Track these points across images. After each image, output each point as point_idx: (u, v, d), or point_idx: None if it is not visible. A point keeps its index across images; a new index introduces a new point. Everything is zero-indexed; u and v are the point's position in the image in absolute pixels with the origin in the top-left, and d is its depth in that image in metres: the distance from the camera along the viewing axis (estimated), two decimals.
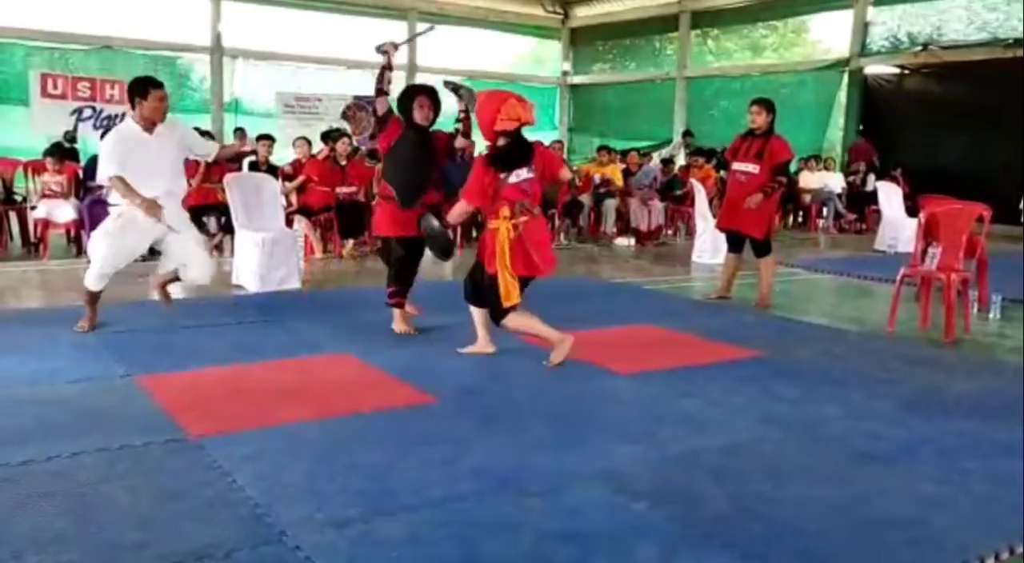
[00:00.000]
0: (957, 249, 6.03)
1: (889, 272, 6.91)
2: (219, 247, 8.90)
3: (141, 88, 5.14)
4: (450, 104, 5.72)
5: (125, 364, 4.65)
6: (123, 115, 14.97)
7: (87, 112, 14.00)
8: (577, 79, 20.57)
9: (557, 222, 10.85)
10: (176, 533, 2.71)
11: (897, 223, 11.05)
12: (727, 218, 7.05)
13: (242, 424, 3.76)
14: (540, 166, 4.79)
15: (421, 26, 18.36)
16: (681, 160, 14.52)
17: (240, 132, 13.18)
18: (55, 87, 13.95)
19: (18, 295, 6.86)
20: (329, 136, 10.20)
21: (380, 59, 5.47)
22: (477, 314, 4.99)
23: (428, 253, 5.42)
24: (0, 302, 6.41)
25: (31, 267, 8.12)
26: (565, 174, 5.34)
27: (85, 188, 8.74)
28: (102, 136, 8.92)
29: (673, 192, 12.00)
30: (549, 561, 2.63)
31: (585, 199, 11.48)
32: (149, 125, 5.15)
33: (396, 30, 18.25)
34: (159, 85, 5.20)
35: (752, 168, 6.73)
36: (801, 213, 14.08)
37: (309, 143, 9.86)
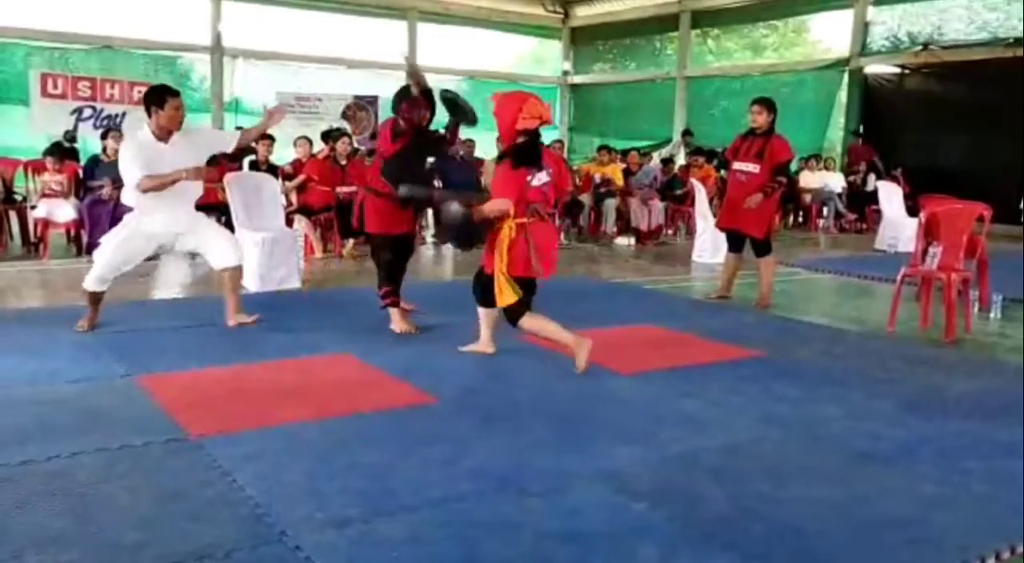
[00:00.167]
0: (957, 249, 6.03)
1: (889, 272, 6.91)
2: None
3: (158, 97, 5.10)
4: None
5: (125, 364, 4.65)
6: (123, 115, 15.13)
7: (87, 112, 14.02)
8: (577, 79, 20.57)
9: (557, 222, 10.84)
10: (176, 533, 2.71)
11: (897, 223, 11.05)
12: (727, 218, 7.05)
13: (242, 424, 3.76)
14: (556, 171, 4.79)
15: (421, 26, 18.51)
16: (681, 160, 14.52)
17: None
18: (55, 87, 13.96)
19: (18, 295, 6.86)
20: (329, 136, 10.20)
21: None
22: (484, 314, 4.97)
23: (416, 255, 5.42)
24: (0, 302, 6.40)
25: (31, 267, 8.12)
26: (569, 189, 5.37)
27: (85, 188, 8.74)
28: (102, 136, 9.01)
29: (673, 192, 11.99)
30: (549, 561, 2.63)
31: (585, 199, 11.48)
32: (165, 134, 5.12)
33: (396, 30, 18.28)
34: (176, 93, 5.16)
35: (752, 168, 6.73)
36: (801, 213, 14.07)
37: (310, 142, 9.86)
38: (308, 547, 2.64)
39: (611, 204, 11.44)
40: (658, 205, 11.45)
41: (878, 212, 12.16)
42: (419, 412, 4.02)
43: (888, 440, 3.79)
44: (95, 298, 5.40)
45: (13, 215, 9.28)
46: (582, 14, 20.13)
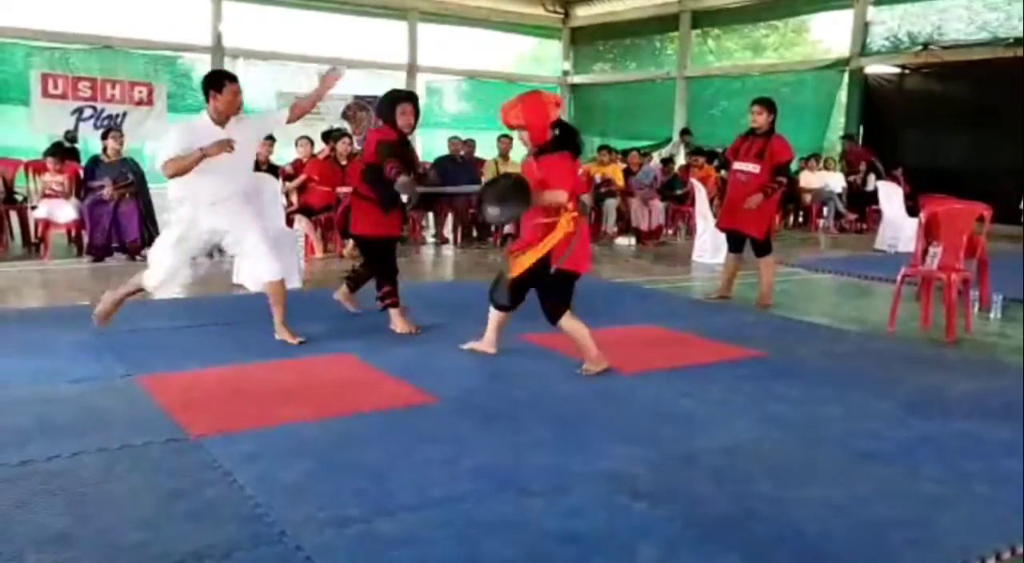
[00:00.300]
0: (958, 249, 6.03)
1: (890, 272, 6.91)
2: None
3: (217, 81, 4.98)
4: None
5: (125, 364, 4.65)
6: (124, 115, 15.14)
7: (88, 112, 14.02)
8: (578, 79, 20.57)
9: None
10: (176, 533, 2.71)
11: (897, 223, 11.04)
12: (727, 218, 7.05)
13: (242, 424, 3.76)
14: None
15: (421, 26, 18.51)
16: (681, 160, 14.53)
17: None
18: (56, 87, 13.97)
19: (19, 295, 6.86)
20: (330, 136, 10.21)
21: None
22: (495, 316, 4.93)
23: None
24: (1, 302, 6.41)
25: (31, 267, 8.12)
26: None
27: (86, 188, 8.74)
28: (103, 136, 9.01)
29: (673, 192, 11.99)
30: (549, 561, 2.62)
31: (586, 199, 11.44)
32: (223, 119, 4.99)
33: (396, 30, 18.29)
34: (234, 78, 5.05)
35: (753, 168, 6.73)
36: (801, 213, 14.07)
37: (311, 142, 9.86)
38: (308, 547, 2.64)
39: (611, 204, 11.44)
40: (658, 205, 11.45)
41: (878, 212, 12.15)
42: (419, 412, 4.02)
43: (888, 440, 3.79)
44: (131, 296, 5.30)
45: (14, 215, 9.29)
46: (582, 14, 20.13)
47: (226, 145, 4.78)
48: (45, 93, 13.89)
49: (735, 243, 7.05)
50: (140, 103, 14.60)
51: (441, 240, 10.73)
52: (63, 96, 13.96)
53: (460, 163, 10.96)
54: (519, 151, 8.94)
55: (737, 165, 6.89)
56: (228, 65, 16.70)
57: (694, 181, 10.77)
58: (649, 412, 4.11)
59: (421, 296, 6.97)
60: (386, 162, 5.30)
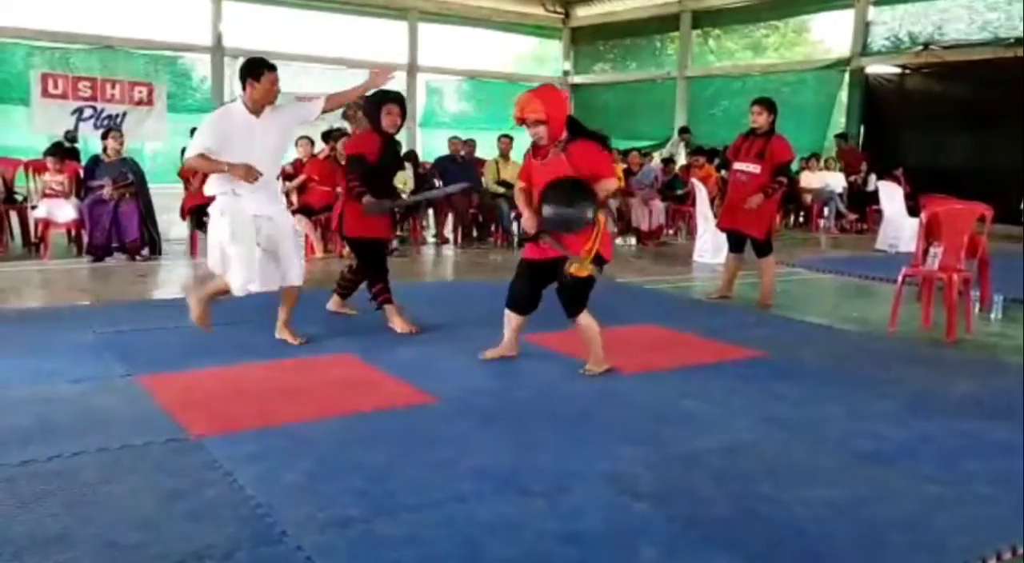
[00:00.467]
0: (959, 249, 6.02)
1: (890, 272, 6.91)
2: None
3: (256, 69, 4.88)
4: None
5: (126, 364, 4.65)
6: (124, 115, 15.12)
7: (88, 112, 14.02)
8: (578, 79, 20.56)
9: None
10: (177, 533, 2.70)
11: (898, 223, 11.04)
12: (728, 218, 7.05)
13: (243, 424, 3.76)
14: None
15: (422, 26, 18.51)
16: (682, 159, 14.52)
17: None
18: (56, 87, 13.96)
19: (19, 295, 6.85)
20: (330, 136, 10.20)
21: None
22: (517, 321, 4.81)
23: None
24: (1, 302, 6.40)
25: (32, 267, 8.12)
26: None
27: (86, 188, 8.74)
28: (103, 136, 9.01)
29: (674, 192, 11.99)
30: (550, 561, 2.62)
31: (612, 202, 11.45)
32: (258, 108, 4.92)
33: (397, 30, 18.28)
34: (273, 68, 4.97)
35: (753, 168, 6.72)
36: (802, 213, 14.07)
37: (311, 142, 9.86)
38: (309, 547, 2.63)
39: (612, 204, 11.42)
40: (659, 205, 11.44)
41: (879, 212, 12.15)
42: (420, 412, 4.02)
43: (889, 440, 3.79)
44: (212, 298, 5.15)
45: (14, 215, 9.29)
46: (582, 14, 20.13)
47: (251, 174, 4.73)
48: (45, 93, 13.88)
49: (736, 243, 7.05)
50: (140, 103, 14.60)
51: (441, 240, 10.73)
52: (63, 96, 13.96)
53: (460, 163, 10.95)
54: (519, 152, 8.94)
55: (738, 165, 6.89)
56: (228, 65, 16.71)
57: (695, 181, 10.76)
58: (650, 412, 4.11)
59: (422, 296, 6.97)
60: (350, 181, 5.35)
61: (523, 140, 5.40)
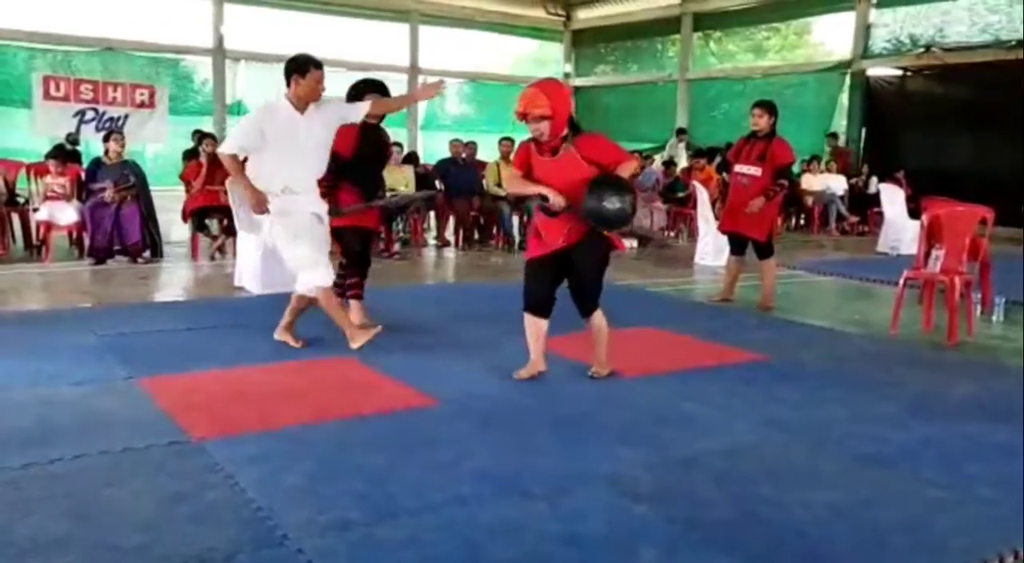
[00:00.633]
0: (960, 252, 6.02)
1: (892, 274, 6.90)
2: (222, 249, 8.90)
3: (302, 66, 4.83)
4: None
5: (127, 366, 4.65)
6: (125, 117, 15.13)
7: (89, 114, 14.05)
8: (579, 81, 20.58)
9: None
10: (178, 536, 2.71)
11: (899, 225, 11.03)
12: (729, 221, 7.04)
13: (244, 427, 3.76)
14: None
15: (423, 28, 18.53)
16: (683, 162, 14.53)
17: None
18: (57, 89, 13.99)
19: (20, 297, 6.86)
20: None
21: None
22: (539, 328, 4.58)
23: None
24: (3, 304, 6.41)
25: (33, 269, 8.13)
26: None
27: (87, 190, 8.74)
28: (104, 138, 9.01)
29: (675, 194, 11.99)
30: None
31: None
32: (302, 105, 4.88)
33: (398, 32, 18.30)
34: (319, 65, 4.92)
35: (754, 171, 6.72)
36: (803, 215, 14.06)
37: None
38: (310, 550, 2.63)
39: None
40: (660, 208, 11.44)
41: (880, 214, 12.14)
42: (421, 415, 4.02)
43: (890, 443, 3.79)
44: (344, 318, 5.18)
45: (15, 217, 9.29)
46: (583, 16, 20.15)
47: (261, 206, 4.79)
48: (47, 95, 13.92)
49: (737, 245, 7.05)
50: (142, 105, 14.63)
51: (443, 243, 10.73)
52: (65, 98, 13.99)
53: (462, 165, 10.96)
54: None
55: (739, 168, 6.88)
56: (229, 67, 16.76)
57: (696, 184, 10.76)
58: (650, 415, 4.11)
59: (423, 298, 6.98)
60: (323, 179, 5.28)
61: None
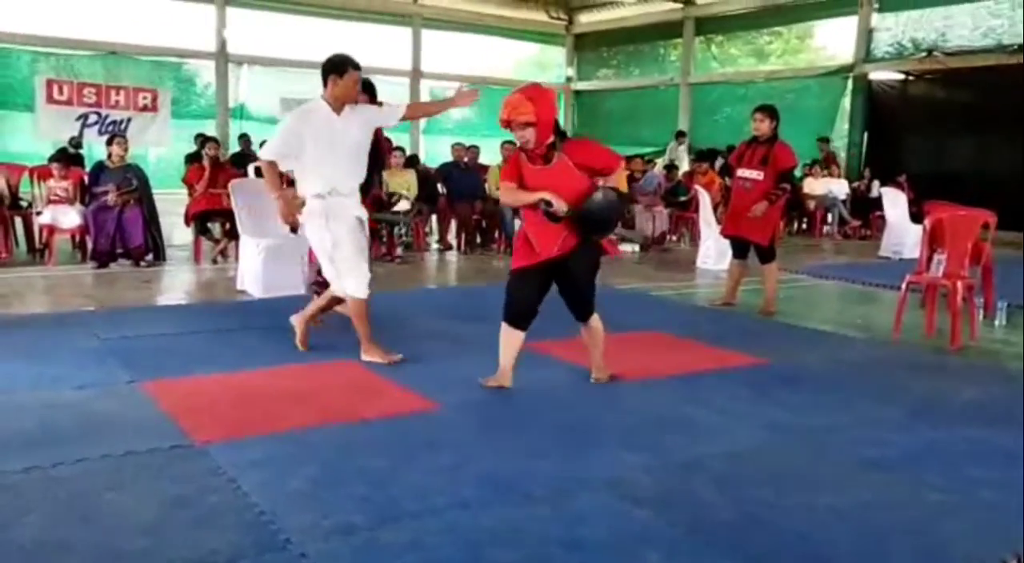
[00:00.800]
0: (962, 256, 6.02)
1: (894, 279, 6.90)
2: (224, 253, 8.91)
3: (340, 66, 4.77)
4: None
5: (130, 370, 4.65)
6: (128, 121, 15.15)
7: (92, 118, 14.08)
8: (581, 85, 20.62)
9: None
10: (181, 540, 2.71)
11: (901, 229, 11.03)
12: (731, 225, 7.04)
13: (247, 430, 3.76)
14: None
15: (425, 32, 18.56)
16: (685, 165, 14.53)
17: (244, 138, 13.21)
18: (61, 93, 14.03)
19: (23, 300, 6.87)
20: None
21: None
22: (517, 340, 4.47)
23: None
24: (6, 308, 6.41)
25: (36, 273, 8.14)
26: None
27: (90, 194, 8.75)
28: (107, 142, 9.03)
29: (677, 198, 11.99)
30: None
31: None
32: (339, 106, 4.84)
33: (400, 36, 18.33)
34: (357, 66, 4.83)
35: (756, 175, 6.72)
36: (805, 219, 14.06)
37: None
38: (313, 554, 2.64)
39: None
40: (662, 212, 11.45)
41: (882, 218, 12.14)
42: (423, 419, 4.02)
43: (893, 447, 3.78)
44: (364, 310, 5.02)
45: (19, 221, 9.31)
46: (585, 20, 20.18)
47: (290, 216, 4.79)
48: (50, 99, 13.95)
49: (739, 249, 7.05)
50: (144, 109, 14.67)
51: (445, 246, 10.74)
52: (68, 102, 14.02)
53: (464, 169, 10.97)
54: None
55: (741, 172, 6.88)
56: (232, 71, 16.79)
57: (698, 188, 10.76)
58: (652, 419, 4.11)
59: (425, 302, 6.98)
60: None
61: None
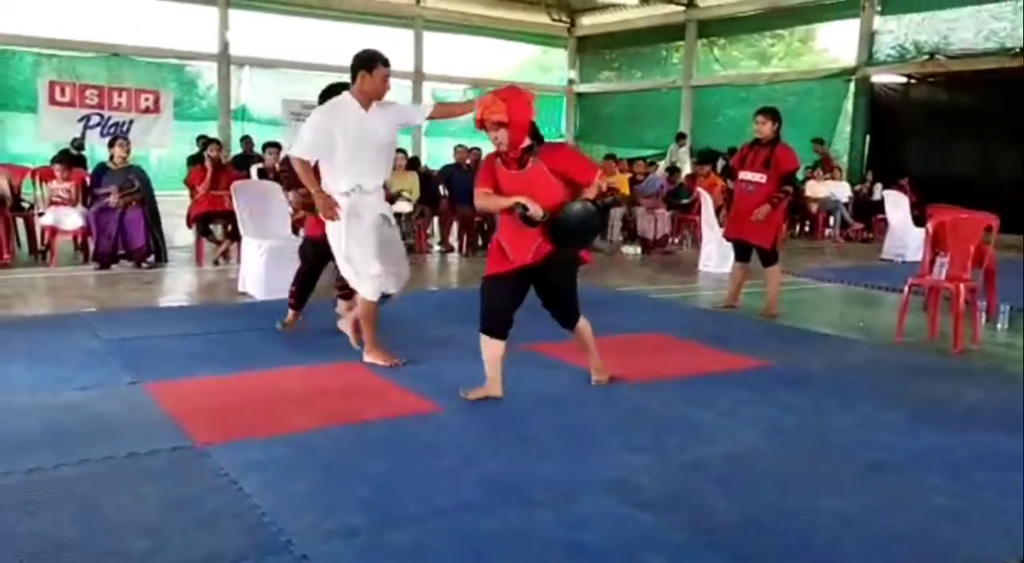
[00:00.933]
0: (965, 259, 6.01)
1: (896, 281, 6.90)
2: (226, 254, 8.91)
3: (369, 61, 4.70)
4: None
5: (132, 371, 4.65)
6: (130, 122, 15.17)
7: (94, 119, 14.11)
8: (583, 87, 20.62)
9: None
10: (183, 541, 2.70)
11: (904, 232, 11.02)
12: (734, 227, 7.04)
13: (249, 432, 3.75)
14: None
15: (427, 34, 18.57)
16: (687, 167, 14.52)
17: (246, 140, 13.22)
18: (63, 95, 14.06)
19: (26, 301, 6.87)
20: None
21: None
22: (498, 350, 4.36)
23: None
24: (8, 309, 6.42)
25: (38, 274, 8.14)
26: None
27: (92, 195, 8.76)
28: (109, 144, 9.03)
29: (679, 201, 11.99)
30: None
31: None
32: (367, 102, 4.75)
33: (402, 38, 18.34)
34: (387, 62, 4.77)
35: (759, 177, 6.71)
36: (808, 222, 14.05)
37: (280, 149, 9.83)
38: (315, 557, 2.63)
39: (617, 213, 11.44)
40: (664, 214, 11.44)
41: (884, 221, 12.13)
42: (425, 421, 4.02)
43: (896, 451, 3.77)
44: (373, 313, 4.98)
45: (21, 222, 9.31)
46: (588, 23, 20.19)
47: (330, 210, 4.69)
48: (52, 101, 13.98)
49: (742, 252, 7.04)
50: (147, 111, 14.69)
51: (447, 248, 10.74)
52: (70, 104, 14.05)
53: (466, 171, 10.96)
54: None
55: (743, 175, 6.87)
56: (234, 73, 16.80)
57: (700, 190, 10.76)
58: (655, 421, 4.10)
59: (427, 303, 6.97)
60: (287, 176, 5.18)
61: None
